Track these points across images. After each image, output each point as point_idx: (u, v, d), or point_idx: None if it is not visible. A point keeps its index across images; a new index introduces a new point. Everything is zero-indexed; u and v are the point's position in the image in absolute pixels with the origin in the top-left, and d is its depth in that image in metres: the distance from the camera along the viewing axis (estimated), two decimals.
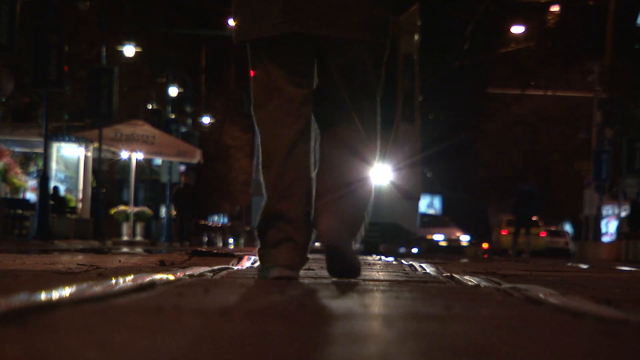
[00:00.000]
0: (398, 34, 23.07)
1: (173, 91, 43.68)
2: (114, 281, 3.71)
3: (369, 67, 5.00)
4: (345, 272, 4.98)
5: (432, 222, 58.77)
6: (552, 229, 52.55)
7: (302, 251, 4.89)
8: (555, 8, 50.63)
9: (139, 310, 2.83)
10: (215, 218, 57.82)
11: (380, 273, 6.80)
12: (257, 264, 6.96)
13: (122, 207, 31.79)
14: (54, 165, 30.63)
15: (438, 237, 55.92)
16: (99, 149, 29.37)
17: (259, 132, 5.00)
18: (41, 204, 23.06)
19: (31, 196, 27.65)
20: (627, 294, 4.59)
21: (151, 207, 34.96)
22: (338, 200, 4.98)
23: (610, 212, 44.66)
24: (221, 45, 53.30)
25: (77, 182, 31.50)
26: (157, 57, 41.14)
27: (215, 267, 5.88)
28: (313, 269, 6.40)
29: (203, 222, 47.60)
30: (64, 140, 31.24)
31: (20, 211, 26.00)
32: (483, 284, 4.93)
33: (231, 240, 50.64)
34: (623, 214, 37.63)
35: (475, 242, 59.58)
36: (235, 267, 6.63)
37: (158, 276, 4.16)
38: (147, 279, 3.91)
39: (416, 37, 24.24)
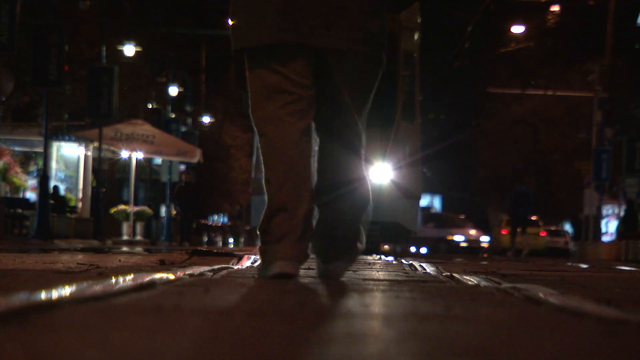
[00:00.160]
0: (398, 31, 22.99)
1: (173, 90, 43.69)
2: (114, 280, 3.71)
3: (365, 78, 5.03)
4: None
5: (450, 222, 58.42)
6: (552, 228, 52.55)
7: (304, 246, 4.89)
8: (555, 8, 50.65)
9: (139, 310, 2.83)
10: (215, 217, 57.85)
11: (380, 272, 6.80)
12: (258, 263, 6.95)
13: (122, 207, 31.78)
14: (54, 165, 30.64)
15: (459, 237, 55.58)
16: (99, 149, 29.37)
17: (258, 132, 5.00)
18: (41, 204, 23.07)
19: (31, 195, 27.66)
20: (627, 294, 4.59)
21: (151, 207, 34.96)
22: (337, 201, 4.99)
23: (610, 211, 44.67)
24: (221, 45, 53.25)
25: (77, 182, 31.52)
26: (157, 57, 41.15)
27: (216, 267, 5.88)
28: (313, 269, 6.40)
29: (203, 222, 47.62)
30: (64, 139, 31.26)
31: (20, 210, 26.01)
32: (483, 283, 4.93)
33: (231, 240, 50.65)
34: (623, 213, 37.64)
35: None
36: (236, 267, 6.63)
37: (158, 275, 4.16)
38: (147, 278, 3.91)
39: (416, 35, 24.16)
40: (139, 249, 18.85)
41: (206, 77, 56.30)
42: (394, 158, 23.29)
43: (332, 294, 3.93)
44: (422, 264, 8.89)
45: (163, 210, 39.63)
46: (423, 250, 52.20)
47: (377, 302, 3.48)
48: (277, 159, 4.89)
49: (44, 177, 23.34)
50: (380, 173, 22.83)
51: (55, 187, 28.51)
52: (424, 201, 72.24)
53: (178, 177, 37.90)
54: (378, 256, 16.11)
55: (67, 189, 30.99)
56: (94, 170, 31.57)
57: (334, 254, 5.07)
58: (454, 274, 6.07)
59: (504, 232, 46.53)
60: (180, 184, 35.35)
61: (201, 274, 4.99)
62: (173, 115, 44.11)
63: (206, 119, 54.16)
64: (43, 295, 2.83)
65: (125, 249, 18.23)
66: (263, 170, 4.96)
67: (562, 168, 53.23)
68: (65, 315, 2.54)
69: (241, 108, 34.96)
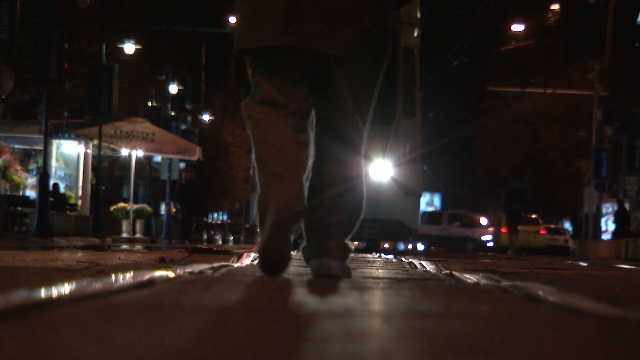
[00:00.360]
0: (398, 26, 22.93)
1: (173, 88, 43.72)
2: (113, 278, 3.71)
3: (365, 81, 5.03)
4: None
5: (475, 222, 58.30)
6: (552, 226, 52.58)
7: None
8: (555, 6, 50.65)
9: (139, 308, 2.83)
10: (215, 215, 57.86)
11: (380, 270, 6.81)
12: (257, 260, 6.97)
13: (121, 204, 31.78)
14: (53, 163, 30.64)
15: (485, 237, 55.43)
16: (99, 146, 29.37)
17: (255, 125, 4.99)
18: (41, 201, 23.06)
19: (31, 193, 27.65)
20: (626, 292, 4.60)
21: (151, 204, 34.96)
22: (334, 199, 4.99)
23: (610, 210, 44.68)
24: (221, 43, 53.25)
25: (77, 179, 31.52)
26: (157, 55, 41.13)
27: (215, 265, 5.88)
28: (309, 267, 6.39)
29: (204, 219, 47.64)
30: (63, 137, 31.27)
31: (20, 208, 26.00)
32: (482, 281, 4.93)
33: (231, 238, 50.66)
34: (613, 213, 37.69)
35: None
36: (235, 265, 6.63)
37: (158, 273, 4.16)
38: (147, 276, 3.91)
39: (416, 30, 24.10)
40: (138, 246, 18.86)
41: (206, 75, 56.30)
42: (394, 155, 23.24)
43: (332, 291, 3.93)
44: (421, 262, 8.89)
45: (163, 208, 39.63)
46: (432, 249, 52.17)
47: (376, 300, 3.48)
48: (272, 154, 4.85)
49: (43, 174, 23.34)
50: (381, 170, 22.79)
51: (55, 185, 28.51)
52: (423, 199, 72.19)
53: (178, 175, 37.90)
54: (377, 254, 16.11)
55: (67, 187, 30.99)
56: (94, 168, 31.57)
57: (329, 252, 5.04)
58: (453, 272, 6.07)
59: (504, 230, 46.56)
60: (180, 182, 35.37)
61: (201, 272, 4.99)
62: (173, 113, 44.13)
63: (206, 117, 54.17)
64: (43, 292, 2.83)
65: (125, 246, 18.23)
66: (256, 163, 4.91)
67: (562, 166, 53.22)
68: (65, 313, 2.54)
69: (241, 106, 34.88)
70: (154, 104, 43.23)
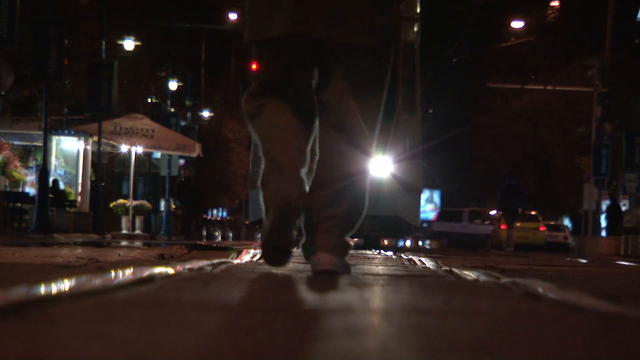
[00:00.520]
0: (398, 21, 22.91)
1: (172, 85, 43.70)
2: (113, 274, 3.71)
3: (373, 72, 5.02)
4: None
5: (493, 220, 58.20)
6: (552, 223, 52.51)
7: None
8: (555, 3, 50.63)
9: (139, 304, 2.82)
10: (215, 212, 57.88)
11: (379, 267, 6.80)
12: (257, 257, 6.95)
13: (121, 201, 31.79)
14: (53, 159, 30.64)
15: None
16: (99, 143, 29.37)
17: (257, 121, 4.99)
18: (40, 198, 23.07)
19: (30, 190, 27.66)
20: (626, 289, 4.59)
21: (150, 201, 34.97)
22: (335, 194, 4.97)
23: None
24: (220, 39, 53.28)
25: (77, 176, 31.52)
26: (157, 51, 41.16)
27: (215, 261, 5.88)
28: (309, 264, 6.39)
29: (203, 216, 47.64)
30: (63, 133, 31.27)
31: (19, 204, 26.01)
32: (482, 278, 4.93)
33: (230, 234, 50.67)
34: (623, 208, 37.67)
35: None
36: (235, 261, 6.62)
37: (157, 270, 4.16)
38: (147, 272, 3.91)
39: (416, 25, 24.08)
40: (138, 243, 18.85)
41: (206, 72, 56.32)
42: (395, 151, 23.22)
43: (331, 288, 3.92)
44: (421, 258, 8.89)
45: (162, 205, 39.63)
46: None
47: (376, 297, 3.48)
48: (276, 147, 4.86)
49: (43, 171, 23.35)
50: (381, 166, 22.77)
51: (55, 181, 28.51)
52: (423, 196, 72.19)
53: (177, 172, 37.90)
54: (377, 251, 16.11)
55: (67, 183, 30.99)
56: (94, 165, 31.57)
57: (328, 248, 5.02)
58: (453, 269, 6.06)
59: (503, 227, 46.55)
60: (179, 179, 35.37)
61: (201, 269, 4.98)
62: (172, 110, 44.13)
63: (205, 113, 54.16)
64: (42, 289, 2.82)
65: (124, 243, 18.23)
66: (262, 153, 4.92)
67: (561, 163, 53.20)
68: (64, 309, 2.54)
69: (241, 102, 34.90)
70: (154, 101, 43.22)
